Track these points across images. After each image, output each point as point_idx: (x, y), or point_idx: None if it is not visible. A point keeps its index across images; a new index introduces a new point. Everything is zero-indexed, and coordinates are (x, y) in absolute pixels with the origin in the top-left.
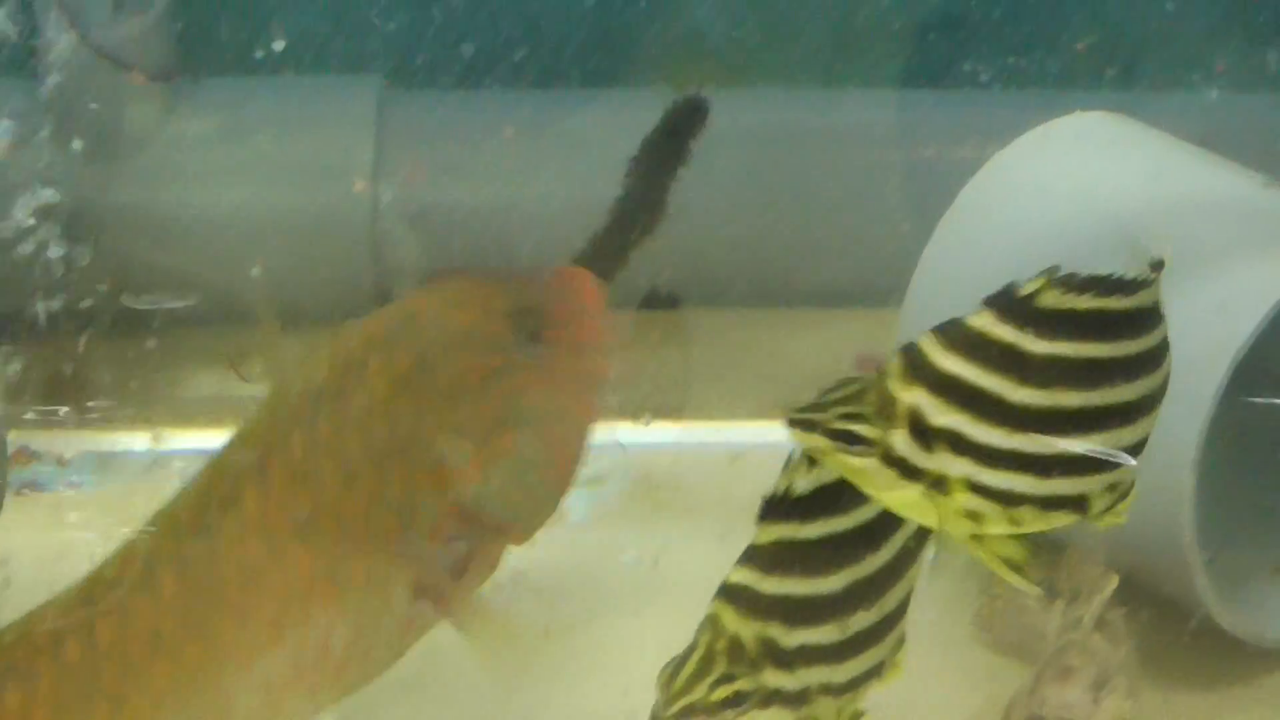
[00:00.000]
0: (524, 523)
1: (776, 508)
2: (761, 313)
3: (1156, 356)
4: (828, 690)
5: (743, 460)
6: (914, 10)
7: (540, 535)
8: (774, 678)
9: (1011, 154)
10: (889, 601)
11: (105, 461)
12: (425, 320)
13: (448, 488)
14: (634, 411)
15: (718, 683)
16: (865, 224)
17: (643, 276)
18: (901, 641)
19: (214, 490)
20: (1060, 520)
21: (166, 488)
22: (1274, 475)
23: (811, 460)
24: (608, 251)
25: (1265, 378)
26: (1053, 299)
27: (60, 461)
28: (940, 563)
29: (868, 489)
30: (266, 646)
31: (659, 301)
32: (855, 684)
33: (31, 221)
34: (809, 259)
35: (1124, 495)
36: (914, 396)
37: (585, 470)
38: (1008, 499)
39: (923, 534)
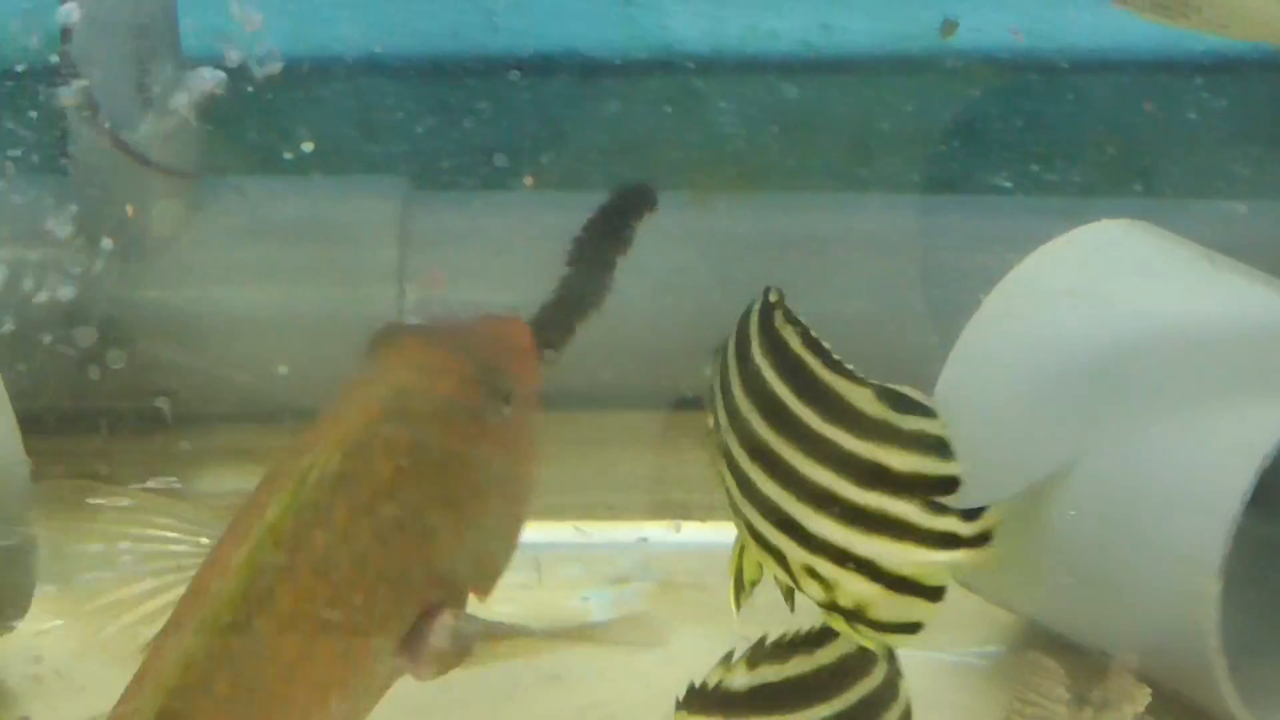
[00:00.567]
0: (489, 580)
1: (698, 700)
2: None
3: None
4: None
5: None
6: (936, 117)
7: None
8: None
9: (1037, 261)
10: None
11: None
12: (414, 395)
13: (435, 558)
14: (664, 514)
15: None
16: (884, 330)
17: (668, 380)
18: None
19: (252, 589)
20: None
21: None
22: None
23: (753, 662)
24: (555, 324)
25: None
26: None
27: None
28: (964, 668)
29: None
30: (283, 702)
31: (688, 404)
32: None
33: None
34: None
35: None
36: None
37: (610, 569)
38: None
39: None
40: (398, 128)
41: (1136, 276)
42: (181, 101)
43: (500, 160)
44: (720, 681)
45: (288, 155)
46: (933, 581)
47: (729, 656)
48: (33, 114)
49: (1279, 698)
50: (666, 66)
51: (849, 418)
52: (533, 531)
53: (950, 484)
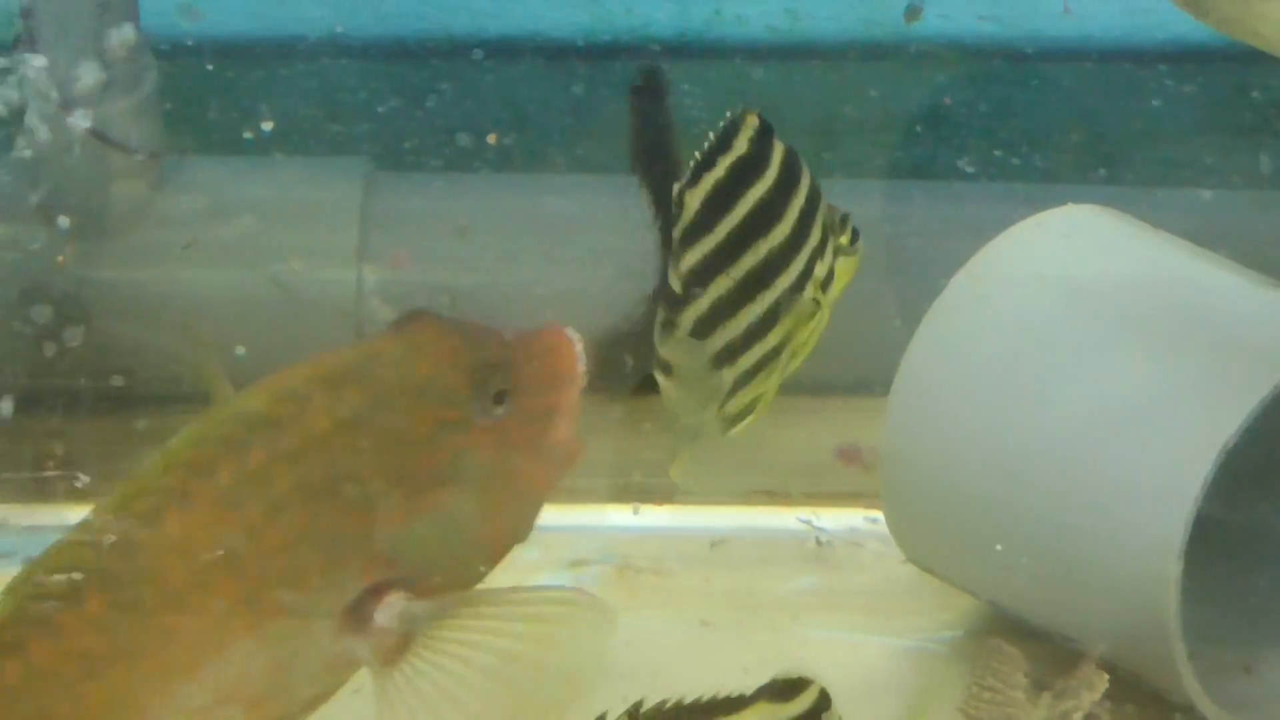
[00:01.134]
0: (441, 580)
1: None
2: None
3: None
4: None
5: (725, 546)
6: (902, 103)
7: None
8: None
9: (1003, 244)
10: None
11: None
12: (384, 363)
13: (378, 533)
14: (623, 497)
15: None
16: (848, 313)
17: (633, 363)
18: None
19: (135, 507)
20: None
21: None
22: (1251, 571)
23: None
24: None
25: (1251, 471)
26: None
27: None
28: (923, 652)
29: None
30: (185, 671)
31: (649, 387)
32: None
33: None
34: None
35: None
36: None
37: (568, 553)
38: None
39: None
40: (360, 108)
41: (1103, 261)
42: (144, 80)
43: (463, 141)
44: None
45: (248, 135)
46: None
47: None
48: None
49: (1238, 683)
50: (632, 50)
51: None
52: None
53: None
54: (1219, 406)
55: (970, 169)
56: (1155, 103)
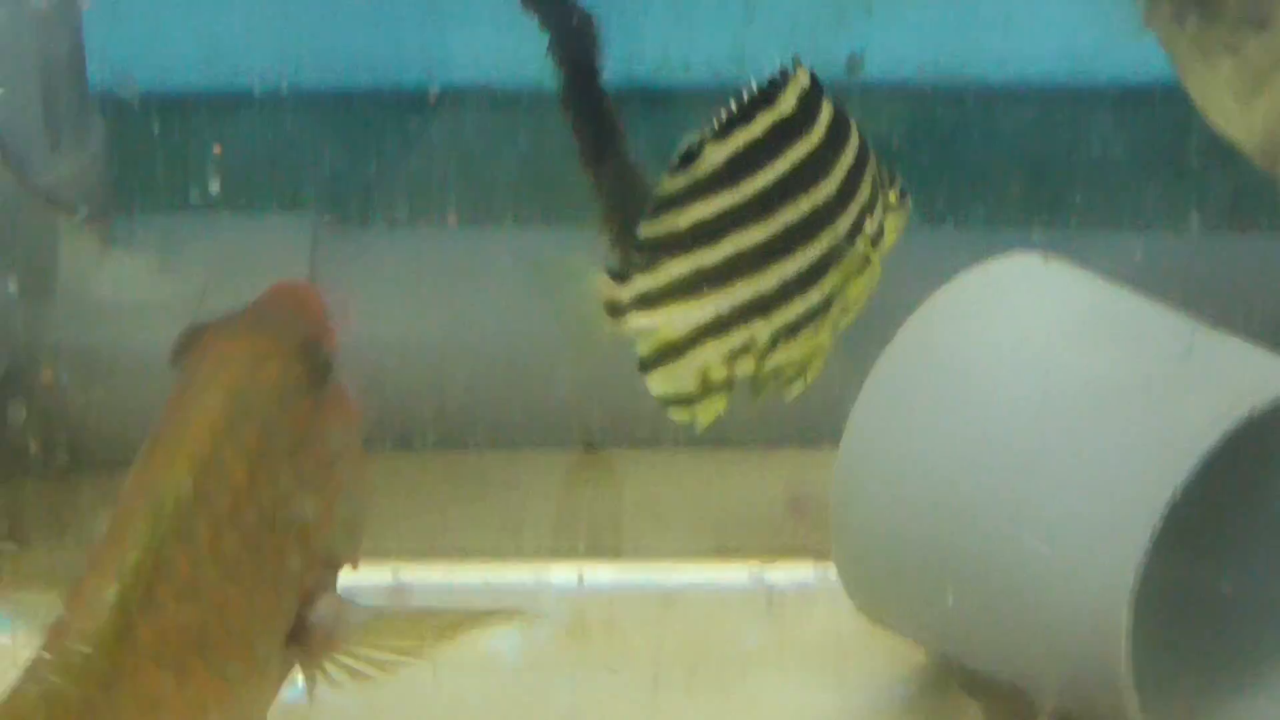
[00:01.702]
0: (356, 549)
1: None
2: (694, 453)
3: None
4: None
5: (676, 603)
6: None
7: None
8: None
9: (949, 293)
10: None
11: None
12: (245, 393)
13: (305, 545)
14: (572, 555)
15: None
16: None
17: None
18: None
19: (108, 629)
20: None
21: None
22: (1202, 621)
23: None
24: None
25: (1201, 520)
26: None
27: None
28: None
29: None
30: None
31: (592, 445)
32: None
33: None
34: (741, 401)
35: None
36: None
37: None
38: None
39: None
40: (309, 163)
41: (1049, 310)
42: (90, 137)
43: (413, 196)
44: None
45: (194, 192)
46: None
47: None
48: None
49: None
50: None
51: None
52: (441, 572)
53: None
54: (1167, 455)
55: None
56: (1097, 145)
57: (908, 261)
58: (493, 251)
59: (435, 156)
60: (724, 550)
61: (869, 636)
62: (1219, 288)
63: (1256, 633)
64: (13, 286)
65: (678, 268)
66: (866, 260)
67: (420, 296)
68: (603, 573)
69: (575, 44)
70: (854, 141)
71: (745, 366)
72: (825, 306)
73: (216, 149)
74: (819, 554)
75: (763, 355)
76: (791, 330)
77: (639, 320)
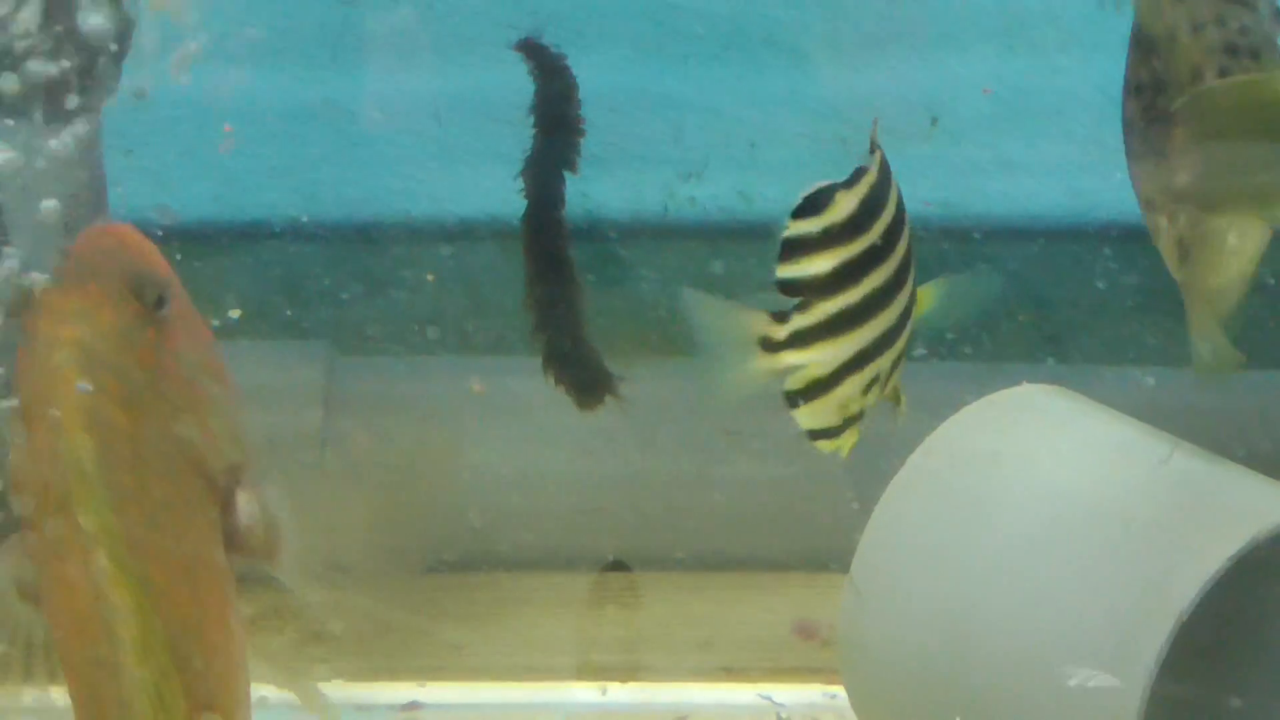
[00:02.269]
0: (242, 446)
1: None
2: (703, 577)
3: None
4: None
5: None
6: None
7: None
8: None
9: (959, 423)
10: None
11: None
12: (94, 340)
13: (203, 463)
14: (590, 675)
15: None
16: (803, 492)
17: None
18: None
19: (131, 591)
20: None
21: None
22: None
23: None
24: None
25: (1206, 644)
26: None
27: None
28: None
29: None
30: None
31: (612, 566)
32: None
33: None
34: (750, 526)
35: None
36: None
37: None
38: None
39: None
40: (324, 294)
41: (1056, 439)
42: None
43: (425, 326)
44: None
45: (215, 322)
46: None
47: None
48: None
49: None
50: (588, 232)
51: None
52: (460, 692)
53: None
54: (1173, 578)
55: (920, 349)
56: (1100, 283)
57: (915, 394)
58: (507, 378)
59: (445, 287)
60: (733, 671)
61: None
62: (1220, 421)
63: None
64: None
65: (826, 308)
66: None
67: (433, 422)
68: (614, 693)
69: (557, 94)
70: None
71: (872, 397)
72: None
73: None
74: (827, 676)
75: (886, 384)
76: (898, 359)
77: (792, 358)
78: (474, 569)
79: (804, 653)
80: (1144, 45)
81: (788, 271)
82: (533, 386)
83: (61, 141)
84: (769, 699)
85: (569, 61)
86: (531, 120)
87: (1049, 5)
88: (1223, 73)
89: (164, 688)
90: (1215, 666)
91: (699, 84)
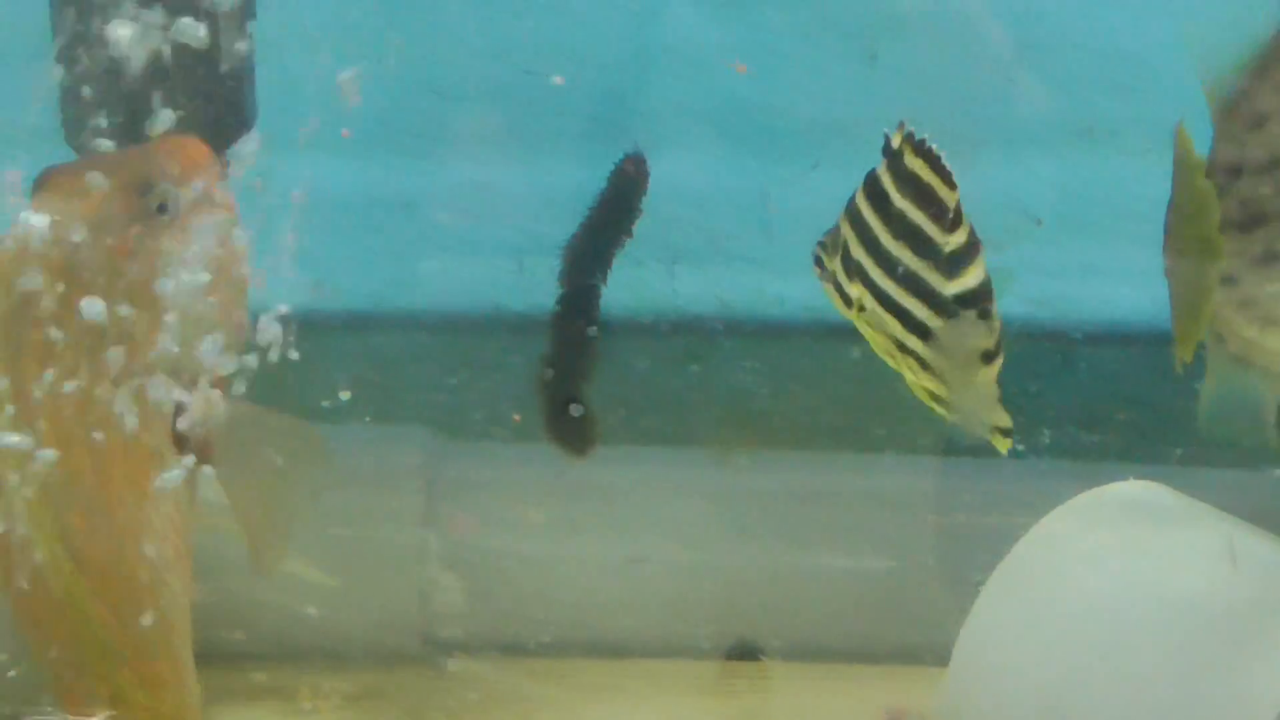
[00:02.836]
0: (222, 356)
1: None
2: (796, 667)
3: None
4: None
5: None
6: None
7: None
8: None
9: (1063, 516)
10: None
11: None
12: (64, 216)
13: (140, 355)
14: None
15: None
16: (900, 585)
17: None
18: None
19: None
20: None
21: None
22: None
23: None
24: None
25: None
26: (906, 155)
27: None
28: None
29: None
30: None
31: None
32: None
33: None
34: (844, 616)
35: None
36: (845, 231)
37: None
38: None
39: None
40: (428, 380)
41: (1160, 537)
42: None
43: (523, 414)
44: None
45: (325, 404)
46: None
47: None
48: None
49: None
50: (676, 326)
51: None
52: None
53: None
54: (1274, 679)
55: (1020, 447)
56: (1197, 383)
57: (1015, 491)
58: (604, 466)
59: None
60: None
61: None
62: None
63: None
64: None
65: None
66: None
67: (530, 505)
68: None
69: (625, 189)
70: None
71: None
72: None
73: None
74: None
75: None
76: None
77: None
78: (568, 654)
79: None
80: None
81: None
82: (630, 474)
83: None
84: None
85: (648, 166)
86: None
87: (1131, 109)
88: None
89: (54, 550)
90: None
91: (787, 182)
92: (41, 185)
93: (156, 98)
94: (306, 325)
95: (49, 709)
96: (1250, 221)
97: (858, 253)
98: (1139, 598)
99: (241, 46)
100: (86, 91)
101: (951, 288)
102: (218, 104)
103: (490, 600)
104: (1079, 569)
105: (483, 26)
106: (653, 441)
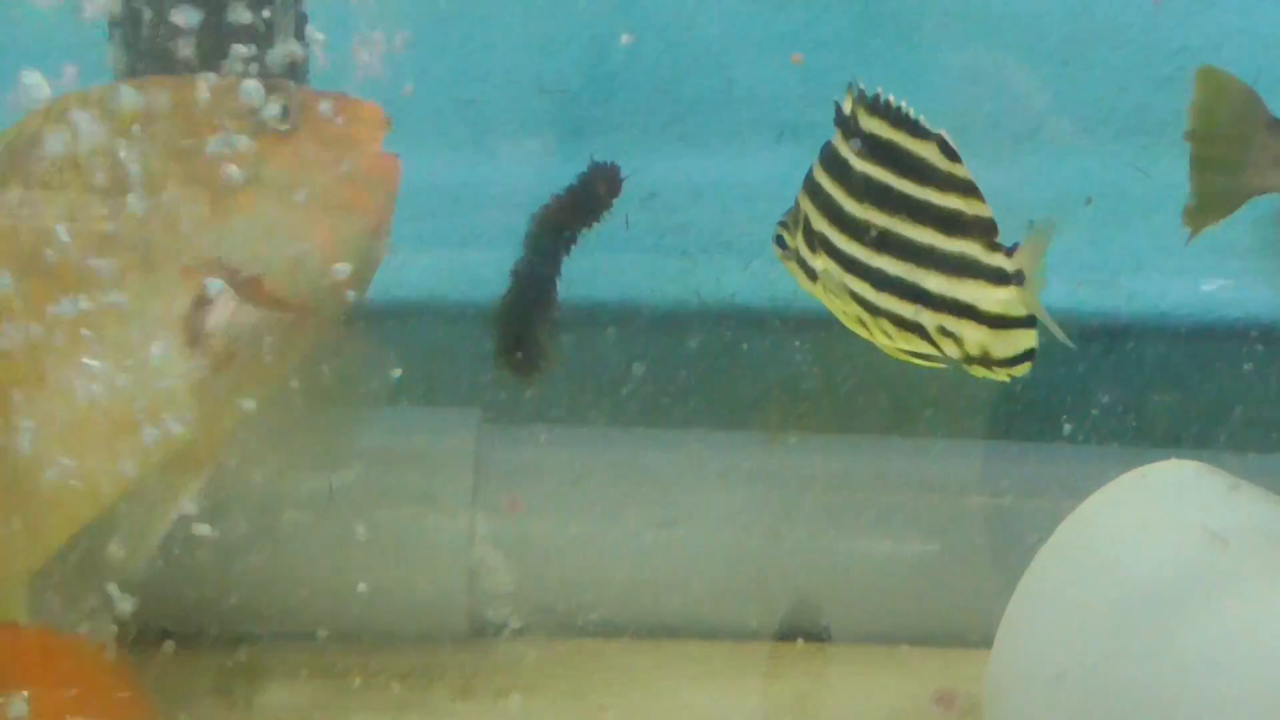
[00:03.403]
0: (287, 279)
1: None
2: (843, 649)
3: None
4: None
5: None
6: None
7: None
8: None
9: (1109, 495)
10: None
11: None
12: (155, 93)
13: (190, 234)
14: None
15: None
16: (946, 568)
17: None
18: None
19: None
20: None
21: None
22: None
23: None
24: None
25: None
26: (861, 117)
27: None
28: None
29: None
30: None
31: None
32: None
33: None
34: (890, 598)
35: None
36: (805, 206)
37: None
38: (859, 299)
39: None
40: (476, 365)
41: (1208, 513)
42: None
43: (564, 397)
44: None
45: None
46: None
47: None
48: None
49: None
50: (725, 315)
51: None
52: None
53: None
54: None
55: (1068, 429)
56: (1247, 366)
57: (1059, 475)
58: (650, 450)
59: (606, 361)
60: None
61: None
62: None
63: None
64: None
65: None
66: None
67: (575, 489)
68: None
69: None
70: None
71: None
72: None
73: None
74: None
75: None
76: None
77: None
78: (617, 635)
79: None
80: None
81: None
82: (677, 458)
83: None
84: None
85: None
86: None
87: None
88: None
89: None
90: None
91: None
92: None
93: None
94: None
95: None
96: None
97: (820, 225)
98: (1183, 576)
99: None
100: None
101: (970, 213)
102: None
103: (538, 581)
104: (1123, 548)
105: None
106: (700, 425)
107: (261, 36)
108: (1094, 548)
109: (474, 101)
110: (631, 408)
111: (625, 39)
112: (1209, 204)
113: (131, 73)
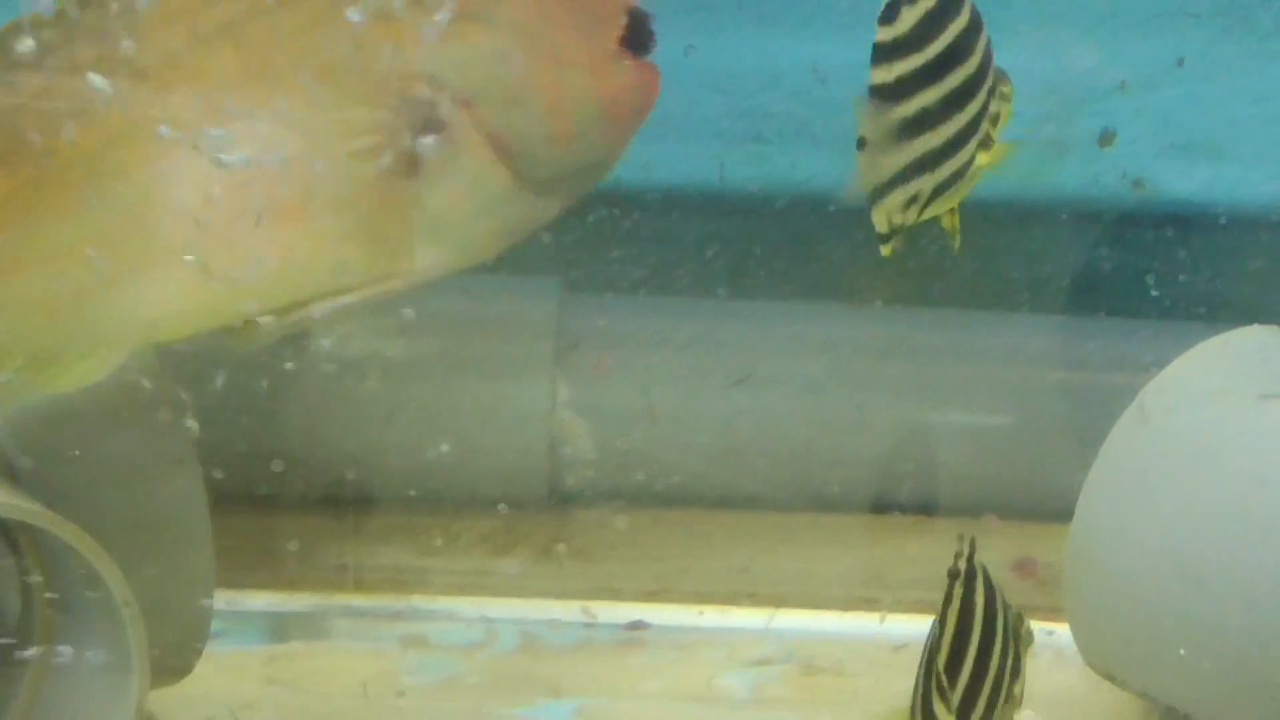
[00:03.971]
0: (500, 111)
1: None
2: (923, 521)
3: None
4: None
5: (905, 651)
6: (1085, 239)
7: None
8: None
9: (1189, 362)
10: None
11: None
12: None
13: (404, 46)
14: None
15: None
16: (1024, 440)
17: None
18: None
19: None
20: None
21: None
22: None
23: None
24: None
25: None
26: None
27: None
28: None
29: None
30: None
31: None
32: None
33: None
34: (970, 468)
35: None
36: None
37: (752, 652)
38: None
39: None
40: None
41: None
42: None
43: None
44: None
45: None
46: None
47: None
48: None
49: None
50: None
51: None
52: (679, 615)
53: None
54: None
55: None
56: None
57: (1145, 351)
58: (718, 321)
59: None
60: None
61: (1092, 694)
62: None
63: None
64: None
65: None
66: (991, 139)
67: (656, 359)
68: (834, 620)
69: None
70: (984, 33)
71: (911, 215)
72: (958, 176)
73: None
74: (1044, 613)
75: (923, 206)
76: (940, 190)
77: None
78: (696, 504)
79: (1022, 591)
80: None
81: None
82: (744, 330)
83: None
84: None
85: None
86: None
87: None
88: None
89: None
90: None
91: None
92: None
93: None
94: None
95: None
96: None
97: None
98: (1262, 439)
99: None
100: None
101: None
102: None
103: (618, 449)
104: (1204, 412)
105: None
106: (779, 296)
107: None
108: (1176, 413)
109: None
110: (711, 278)
111: None
112: None
113: None
